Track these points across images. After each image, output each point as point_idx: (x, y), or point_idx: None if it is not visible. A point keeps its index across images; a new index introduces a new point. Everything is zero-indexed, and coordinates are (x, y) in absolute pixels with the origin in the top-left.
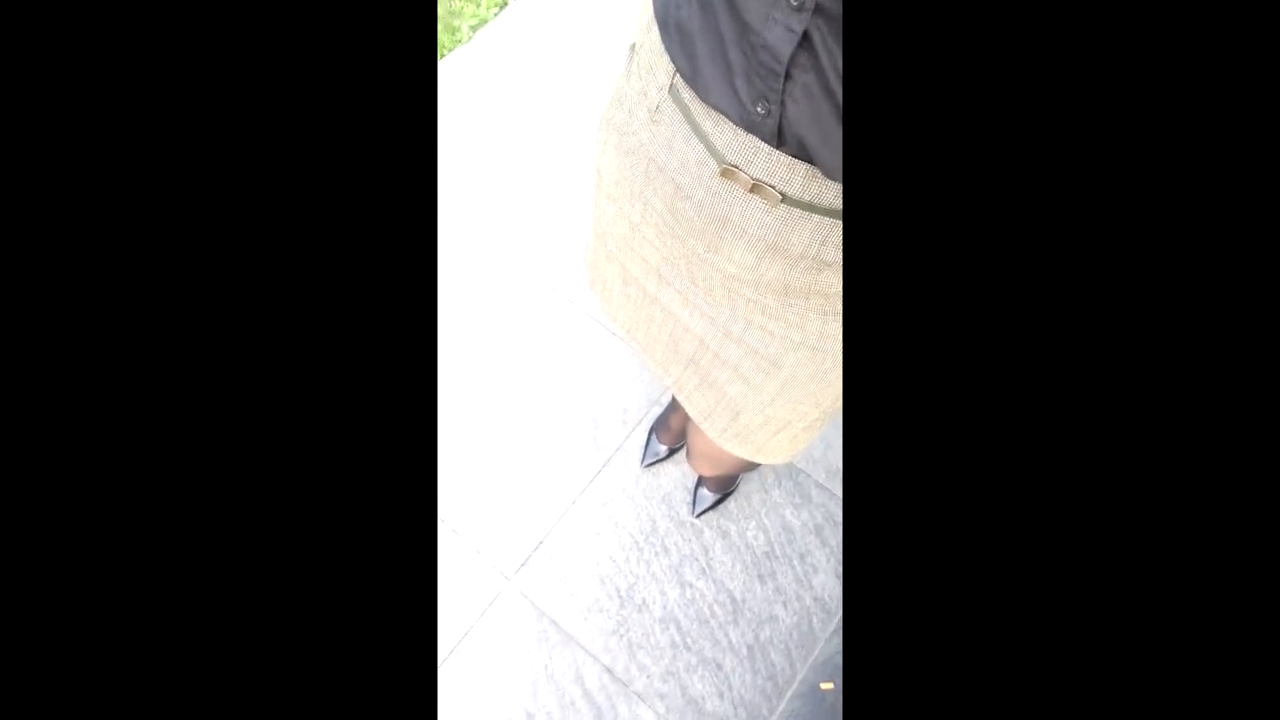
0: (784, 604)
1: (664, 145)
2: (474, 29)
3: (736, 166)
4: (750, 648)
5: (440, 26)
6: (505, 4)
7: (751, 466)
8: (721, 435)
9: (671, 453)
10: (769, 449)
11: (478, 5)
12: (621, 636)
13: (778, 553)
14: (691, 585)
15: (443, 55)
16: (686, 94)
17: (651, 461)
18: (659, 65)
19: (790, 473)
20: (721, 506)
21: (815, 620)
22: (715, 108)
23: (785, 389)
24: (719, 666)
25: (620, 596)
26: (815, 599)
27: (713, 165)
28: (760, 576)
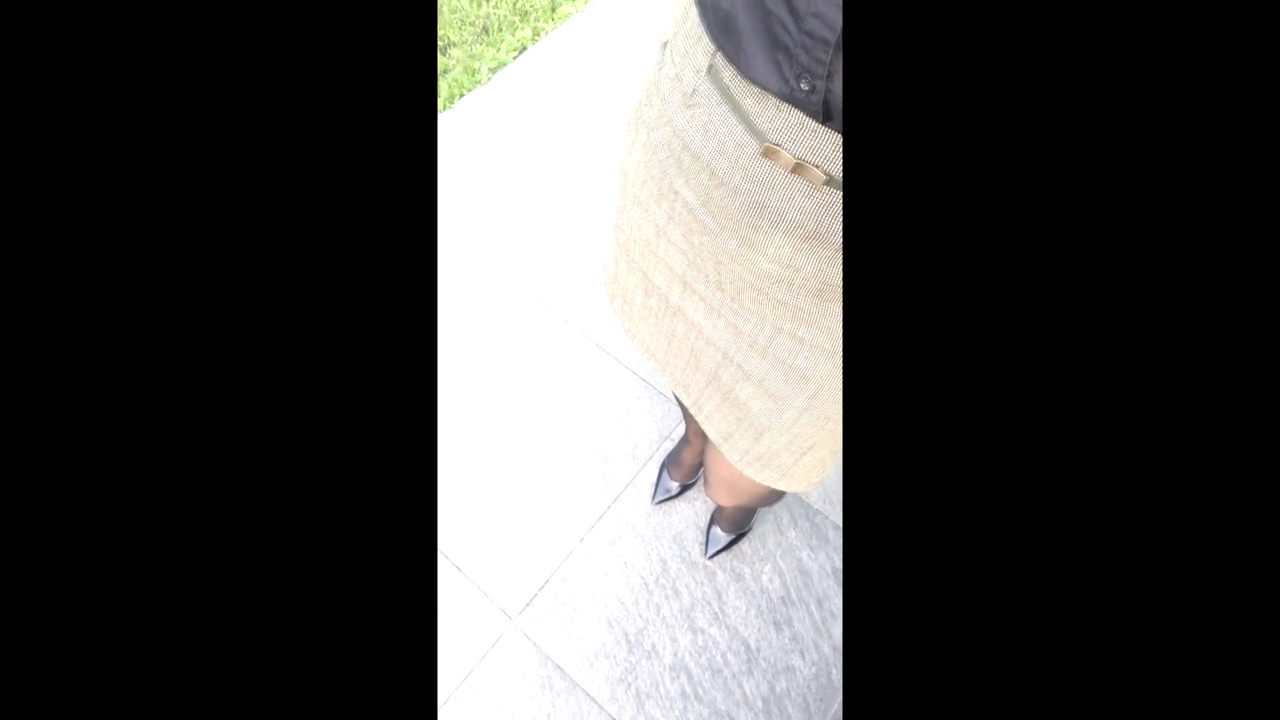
0: (801, 653)
1: (700, 130)
2: (493, 71)
3: (779, 145)
4: (766, 700)
5: (460, 69)
6: (524, 49)
7: (774, 497)
8: (743, 459)
9: (684, 490)
10: (794, 474)
11: (497, 49)
12: (629, 685)
13: (794, 598)
14: (703, 631)
15: (462, 96)
16: (727, 73)
17: (663, 499)
18: (696, 49)
19: (806, 513)
20: (735, 547)
21: (835, 671)
22: (758, 83)
23: (814, 403)
24: None
25: (628, 641)
26: (834, 648)
27: (752, 146)
28: (776, 623)
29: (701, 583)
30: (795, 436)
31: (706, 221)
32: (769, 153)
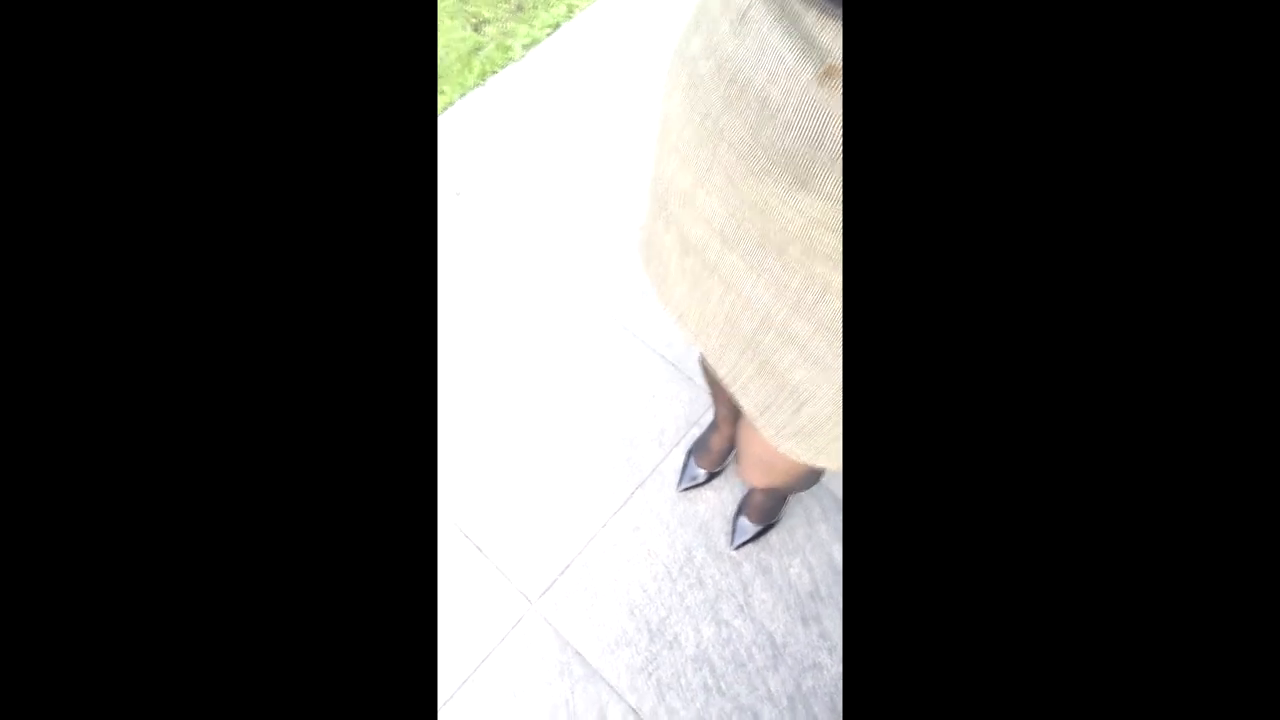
0: (829, 651)
1: (752, 55)
2: (526, 47)
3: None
4: (791, 698)
5: (494, 45)
6: (557, 25)
7: (810, 479)
8: (780, 433)
9: (710, 478)
10: (834, 450)
11: (531, 25)
12: (650, 675)
13: (823, 594)
14: (728, 624)
15: (495, 72)
16: None
17: (688, 486)
18: None
19: (837, 506)
20: (763, 539)
21: None
22: None
23: None
24: (756, 716)
25: (650, 630)
26: None
27: (809, 70)
28: (804, 619)
29: (727, 574)
30: (839, 408)
31: (753, 162)
32: (829, 73)
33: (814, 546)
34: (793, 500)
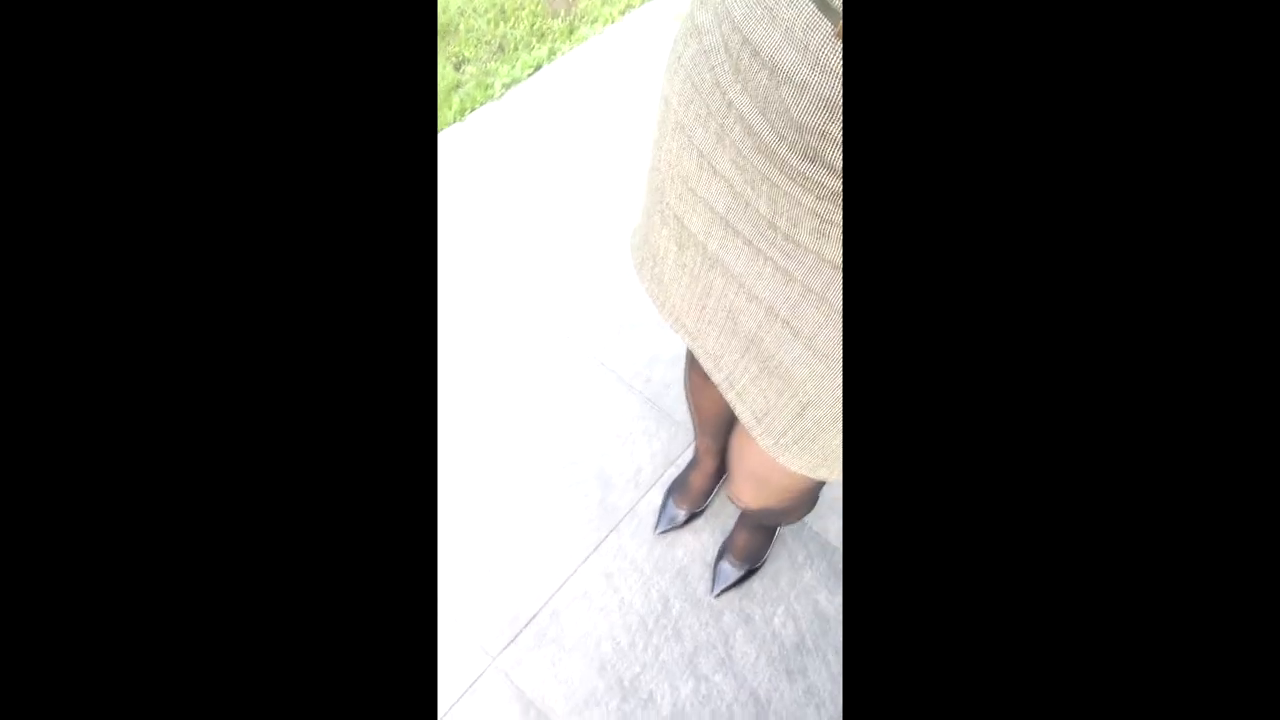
0: (817, 708)
1: (764, 17)
2: (506, 87)
3: None
4: None
5: (474, 83)
6: (539, 66)
7: (805, 501)
8: (779, 441)
9: (690, 519)
10: (836, 457)
11: (512, 66)
12: None
13: (809, 645)
14: (708, 679)
15: (474, 109)
16: None
17: (667, 528)
18: None
19: (824, 551)
20: (746, 586)
21: None
22: None
23: None
24: None
25: (623, 688)
26: None
27: (824, 29)
28: (789, 672)
29: (707, 624)
30: None
31: (764, 135)
32: (842, 37)
33: (799, 594)
34: (776, 543)
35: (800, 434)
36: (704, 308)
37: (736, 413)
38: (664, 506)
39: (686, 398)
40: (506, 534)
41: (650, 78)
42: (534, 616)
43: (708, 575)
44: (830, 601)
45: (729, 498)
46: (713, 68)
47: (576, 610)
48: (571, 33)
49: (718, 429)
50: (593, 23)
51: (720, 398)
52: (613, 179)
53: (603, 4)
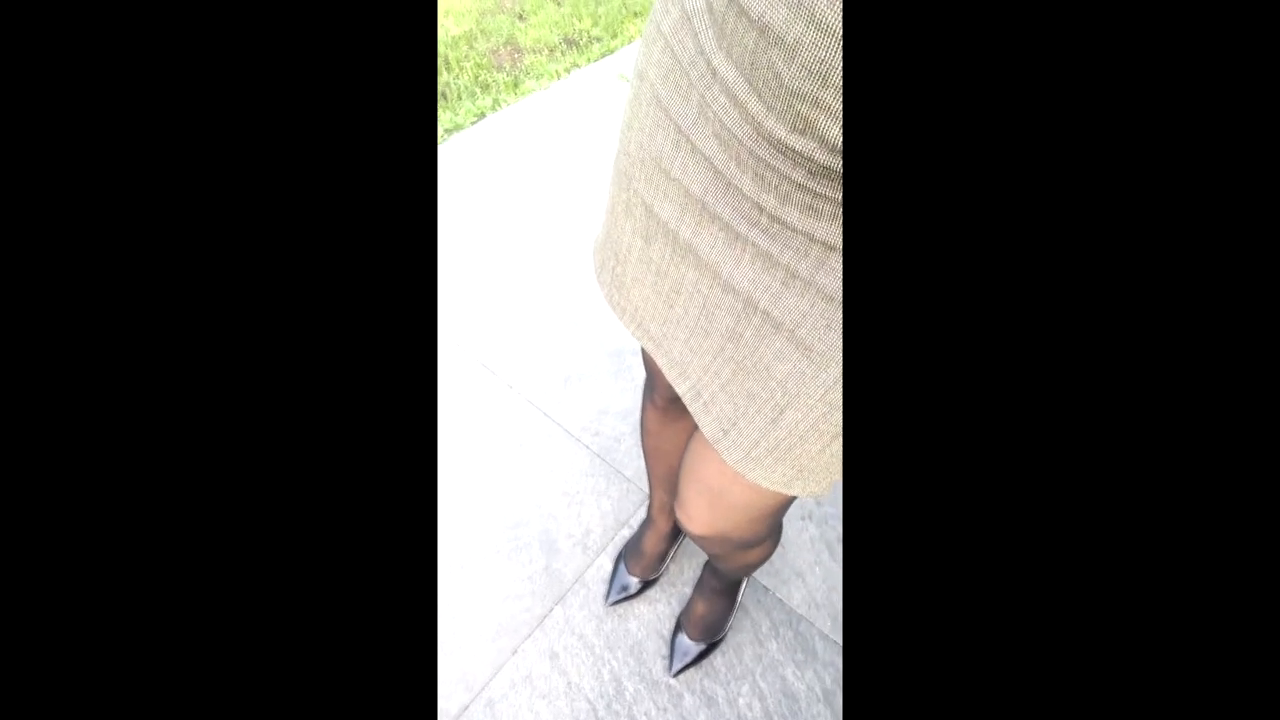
0: None
1: None
2: (448, 132)
3: None
4: None
5: None
6: (483, 115)
7: (766, 527)
8: (750, 454)
9: (645, 587)
10: (814, 469)
11: (455, 112)
12: None
13: None
14: None
15: None
16: None
17: (618, 599)
18: None
19: (790, 620)
20: (706, 662)
21: None
22: None
23: None
24: None
25: None
26: None
27: None
28: None
29: (665, 709)
30: (831, 407)
31: (751, 106)
32: None
33: (765, 669)
34: (738, 612)
35: (775, 444)
36: (672, 307)
37: (700, 426)
38: (615, 574)
39: (642, 442)
40: (441, 606)
41: (593, 131)
42: (465, 709)
43: (665, 651)
44: (799, 677)
45: (678, 522)
46: (695, 34)
47: (517, 698)
48: (516, 86)
49: (674, 482)
50: (538, 78)
51: (681, 438)
52: (555, 227)
53: (548, 60)
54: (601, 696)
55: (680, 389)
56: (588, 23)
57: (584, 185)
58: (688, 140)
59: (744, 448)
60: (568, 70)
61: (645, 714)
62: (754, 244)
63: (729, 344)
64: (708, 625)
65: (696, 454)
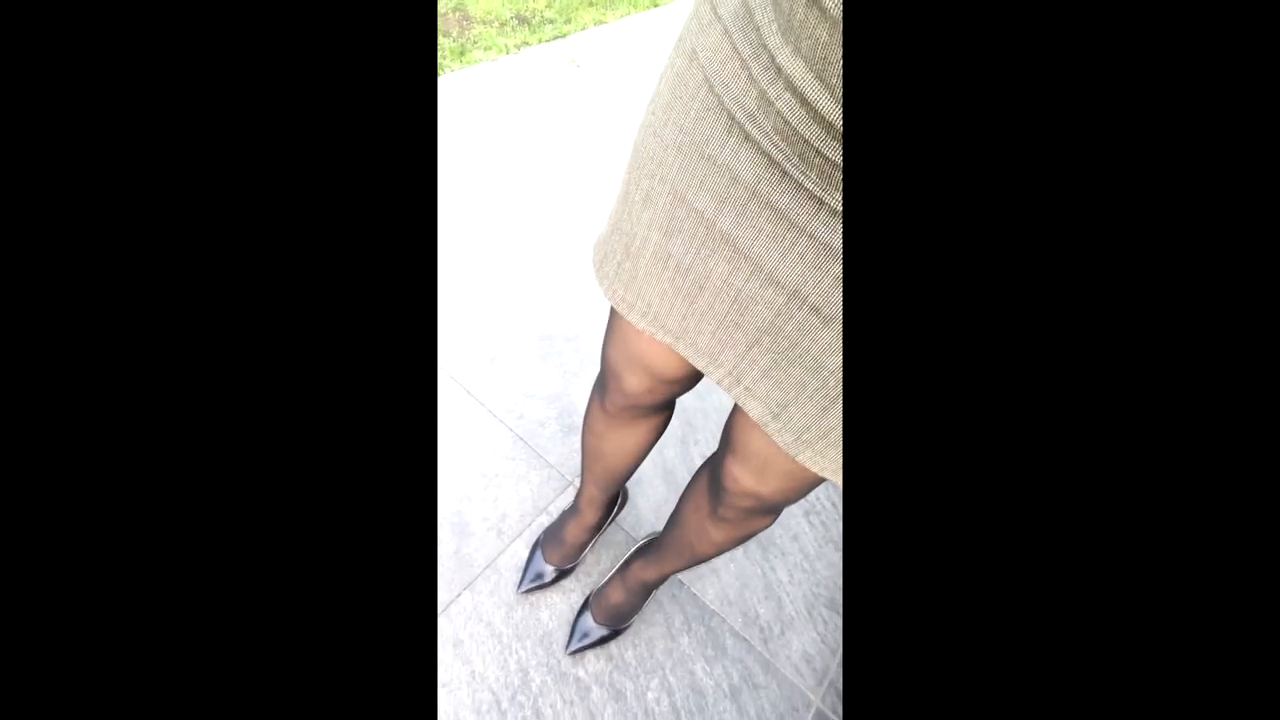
0: None
1: None
2: None
3: None
4: None
5: None
6: None
7: (807, 489)
8: (800, 437)
9: (560, 577)
10: None
11: None
12: None
13: None
14: None
15: None
16: None
17: (531, 587)
18: None
19: (702, 615)
20: (617, 656)
21: None
22: None
23: None
24: None
25: None
26: None
27: None
28: None
29: (572, 702)
30: None
31: (821, 102)
32: None
33: (675, 663)
34: (651, 606)
35: (826, 430)
36: (694, 302)
37: (746, 410)
38: (530, 560)
39: (583, 438)
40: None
41: (540, 113)
42: None
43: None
44: (708, 673)
45: (724, 478)
46: (758, 26)
47: None
48: (462, 54)
49: (610, 480)
50: (486, 49)
51: (631, 447)
52: (496, 203)
53: (498, 34)
54: (506, 687)
55: (714, 376)
56: (542, 4)
57: (529, 164)
58: (742, 129)
59: (795, 431)
60: (518, 47)
61: (551, 706)
62: (811, 235)
63: (765, 336)
64: (618, 614)
65: (745, 424)
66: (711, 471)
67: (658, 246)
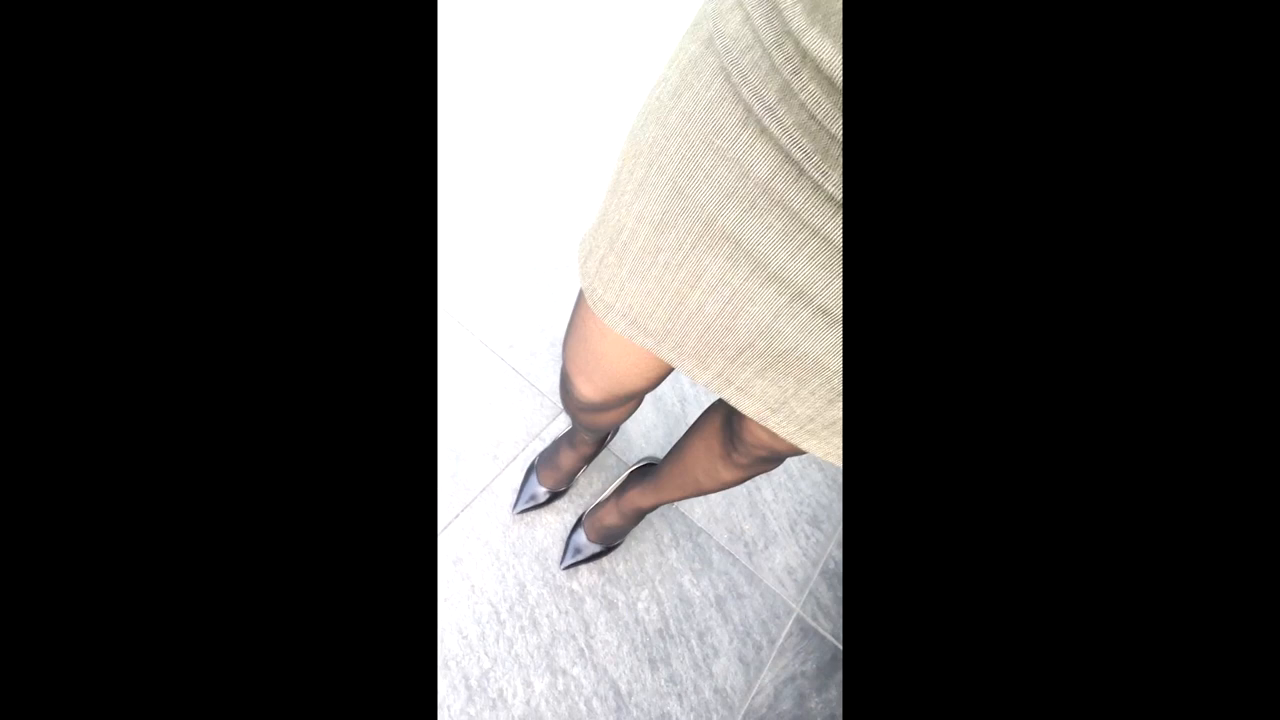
0: (679, 697)
1: None
2: None
3: None
4: None
5: None
6: None
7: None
8: (804, 427)
9: (553, 498)
10: None
11: None
12: None
13: (673, 630)
14: (565, 672)
15: None
16: None
17: (526, 507)
18: None
19: (690, 532)
20: (609, 569)
21: (715, 718)
22: None
23: None
24: None
25: (469, 687)
26: (715, 690)
27: None
28: (651, 661)
29: (567, 612)
30: None
31: None
32: None
33: (663, 576)
34: (641, 525)
35: (832, 420)
36: (683, 302)
37: (740, 408)
38: (525, 483)
39: (563, 402)
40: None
41: (544, 10)
42: None
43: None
44: (695, 584)
45: (742, 432)
46: (780, 10)
47: None
48: None
49: (597, 432)
50: None
51: (605, 421)
52: (486, 121)
53: None
54: (504, 599)
55: (701, 379)
56: None
57: (526, 83)
58: (759, 123)
59: (798, 422)
60: None
61: (547, 616)
62: (825, 237)
63: (760, 339)
64: (609, 534)
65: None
66: (727, 420)
67: (648, 240)
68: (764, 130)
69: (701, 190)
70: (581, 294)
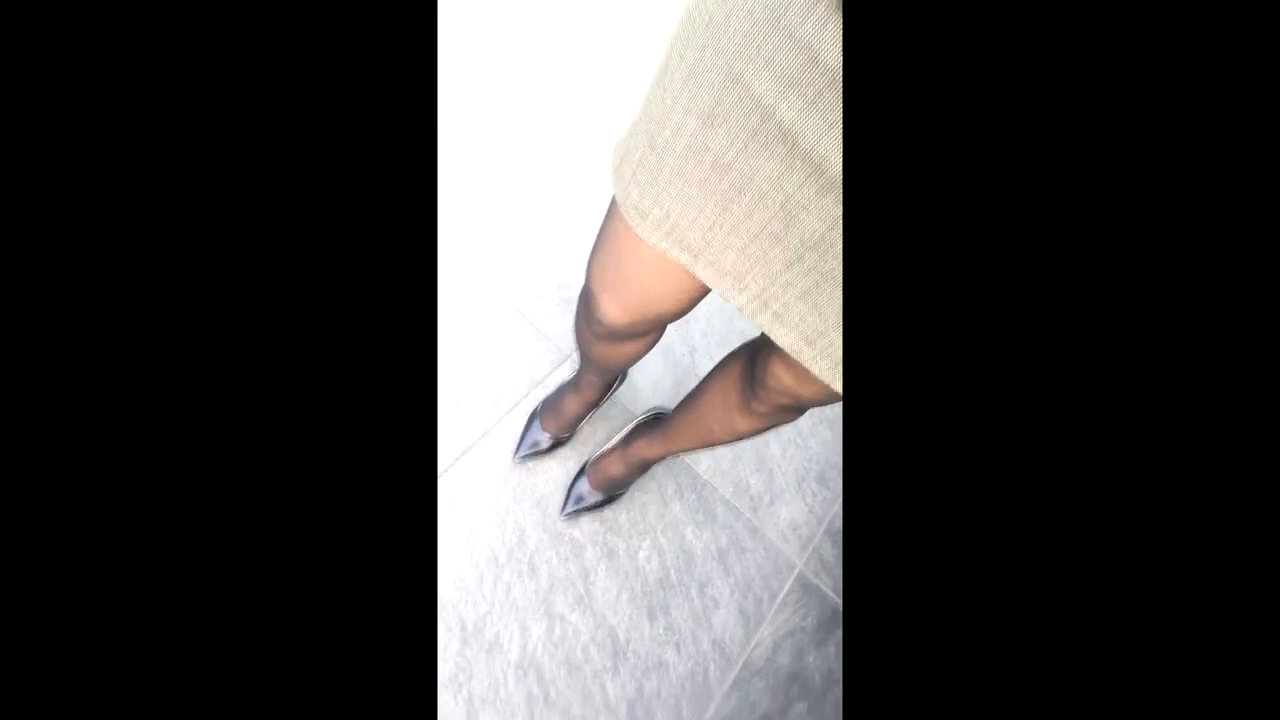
0: (676, 647)
1: None
2: None
3: None
4: (631, 704)
5: None
6: None
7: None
8: (841, 364)
9: (555, 445)
10: None
11: None
12: (460, 688)
13: (673, 580)
14: (563, 619)
15: None
16: None
17: (528, 453)
18: None
19: (694, 484)
20: (611, 518)
21: (712, 669)
22: None
23: None
24: None
25: (465, 631)
26: (714, 642)
27: None
28: (650, 611)
29: (566, 559)
30: None
31: None
32: None
33: (666, 527)
34: (646, 476)
35: None
36: (727, 209)
37: (773, 337)
38: (527, 429)
39: (577, 341)
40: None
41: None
42: None
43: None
44: (697, 536)
45: (765, 375)
46: None
47: None
48: None
49: (606, 373)
50: None
51: (621, 356)
52: (490, 64)
53: None
54: (503, 544)
55: (736, 301)
56: None
57: (531, 23)
58: (812, 41)
59: (835, 359)
60: None
61: (546, 562)
62: None
63: (810, 252)
64: (613, 483)
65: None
66: (749, 363)
67: (693, 136)
68: (839, 8)
69: (761, 78)
70: (614, 203)
